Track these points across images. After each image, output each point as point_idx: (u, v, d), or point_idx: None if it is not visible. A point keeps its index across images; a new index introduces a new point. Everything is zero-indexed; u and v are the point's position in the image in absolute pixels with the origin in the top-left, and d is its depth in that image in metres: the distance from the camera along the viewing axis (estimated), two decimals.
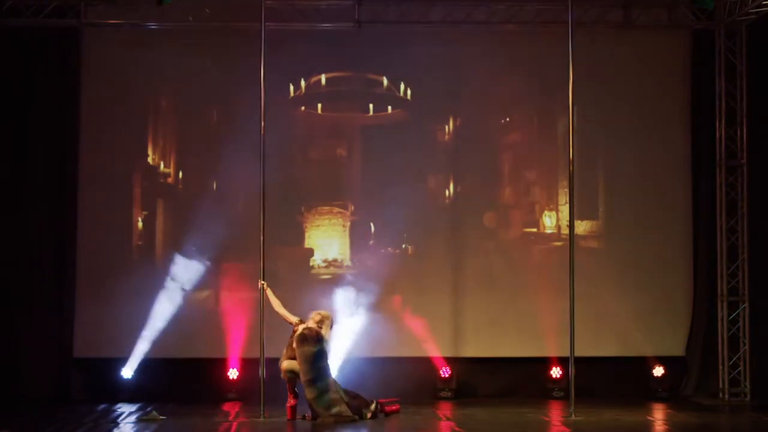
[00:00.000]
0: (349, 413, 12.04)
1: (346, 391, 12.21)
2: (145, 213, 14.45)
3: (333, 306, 13.90)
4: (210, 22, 14.24)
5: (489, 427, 12.02)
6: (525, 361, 14.45)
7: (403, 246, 14.61)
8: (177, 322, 14.05)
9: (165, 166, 14.54)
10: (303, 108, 14.65)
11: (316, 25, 14.30)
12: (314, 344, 12.00)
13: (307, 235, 14.57)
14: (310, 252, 14.55)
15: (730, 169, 14.45)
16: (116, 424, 12.11)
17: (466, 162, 14.61)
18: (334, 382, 12.19)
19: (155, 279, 14.21)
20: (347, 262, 14.60)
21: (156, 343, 14.00)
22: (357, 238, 14.60)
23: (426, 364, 14.33)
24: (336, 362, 13.53)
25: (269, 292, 12.32)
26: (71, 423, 12.04)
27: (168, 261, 14.26)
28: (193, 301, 14.22)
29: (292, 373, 12.14)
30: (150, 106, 14.57)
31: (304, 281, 14.37)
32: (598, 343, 14.16)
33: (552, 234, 14.66)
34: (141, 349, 14.00)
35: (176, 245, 14.33)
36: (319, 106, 14.69)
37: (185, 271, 14.10)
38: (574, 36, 12.56)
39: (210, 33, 14.36)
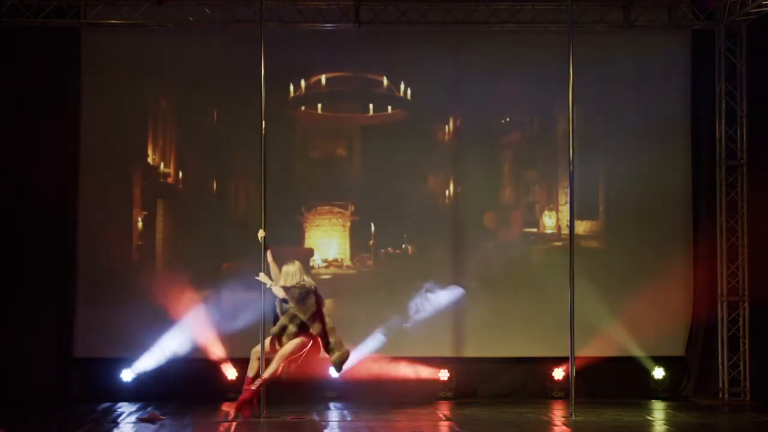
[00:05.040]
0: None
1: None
2: (145, 213, 14.45)
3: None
4: (210, 22, 14.25)
5: (489, 427, 12.02)
6: (525, 361, 14.45)
7: (403, 246, 14.61)
8: (177, 321, 14.05)
9: (165, 166, 14.55)
10: (303, 108, 14.65)
11: (316, 25, 14.32)
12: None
13: (307, 235, 14.58)
14: (310, 252, 14.55)
15: (730, 169, 14.46)
16: (116, 424, 12.11)
17: (466, 162, 14.62)
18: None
19: (155, 279, 14.22)
20: (347, 262, 14.61)
21: (156, 343, 14.01)
22: (357, 238, 14.61)
23: (426, 364, 14.33)
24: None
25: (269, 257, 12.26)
26: (71, 423, 12.04)
27: (168, 261, 14.28)
28: (192, 301, 14.22)
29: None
30: (150, 106, 14.57)
31: None
32: (598, 343, 14.15)
33: (552, 234, 14.67)
34: (142, 349, 14.02)
35: (176, 245, 14.34)
36: (319, 106, 14.69)
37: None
38: (574, 36, 12.56)
39: (210, 33, 14.36)
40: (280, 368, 11.91)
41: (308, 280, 11.97)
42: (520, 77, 14.62)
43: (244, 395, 11.95)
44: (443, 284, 14.38)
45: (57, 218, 14.16)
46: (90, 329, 14.11)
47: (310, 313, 11.84)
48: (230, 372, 14.06)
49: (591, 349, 13.86)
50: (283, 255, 14.10)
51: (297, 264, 12.02)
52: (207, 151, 14.46)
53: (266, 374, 11.91)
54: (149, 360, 14.04)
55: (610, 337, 14.34)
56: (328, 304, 14.19)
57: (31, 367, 14.00)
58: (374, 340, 14.14)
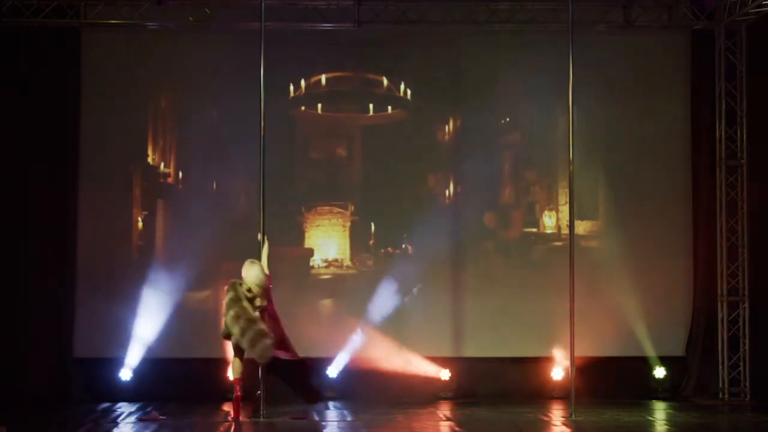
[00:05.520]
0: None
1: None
2: (145, 213, 14.45)
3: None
4: (210, 22, 14.24)
5: (489, 427, 12.02)
6: (525, 361, 14.45)
7: (403, 246, 14.61)
8: (177, 321, 14.05)
9: (165, 166, 14.55)
10: (303, 108, 14.65)
11: (316, 25, 14.31)
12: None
13: (307, 235, 14.57)
14: (310, 252, 14.55)
15: (730, 169, 14.46)
16: (116, 424, 12.11)
17: (466, 162, 14.62)
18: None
19: (155, 279, 14.22)
20: (347, 262, 14.61)
21: (156, 343, 14.02)
22: (357, 238, 14.61)
23: (426, 364, 14.33)
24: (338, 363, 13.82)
25: (265, 251, 12.25)
26: (71, 423, 12.04)
27: (168, 261, 14.29)
28: (193, 301, 14.22)
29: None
30: (150, 106, 14.57)
31: (304, 281, 14.38)
32: (598, 343, 14.16)
33: (552, 234, 14.67)
34: (142, 349, 14.03)
35: (176, 245, 14.34)
36: (319, 106, 14.69)
37: None
38: (574, 36, 12.56)
39: (210, 33, 14.36)
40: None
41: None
42: (520, 77, 14.61)
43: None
44: (441, 284, 14.43)
45: (57, 218, 14.16)
46: (90, 329, 14.11)
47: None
48: (231, 372, 14.04)
49: (591, 349, 13.85)
50: (284, 255, 14.16)
51: (258, 264, 11.96)
52: (207, 151, 14.45)
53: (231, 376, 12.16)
54: (149, 360, 14.04)
55: (610, 337, 14.35)
56: (328, 304, 14.27)
57: (31, 367, 13.99)
58: (373, 340, 14.18)
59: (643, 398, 14.15)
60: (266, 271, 12.02)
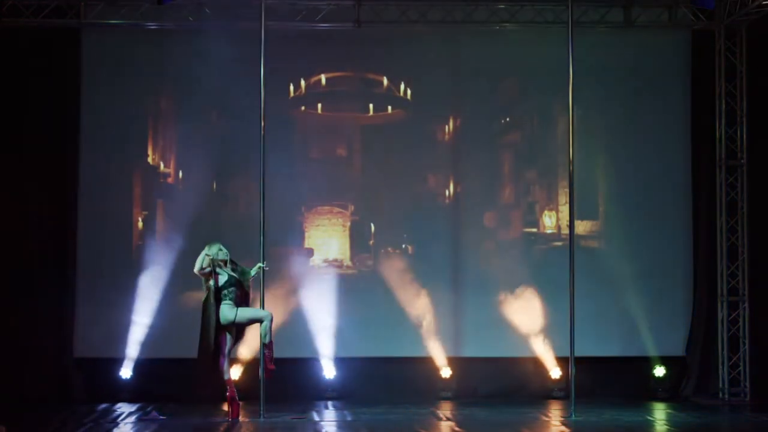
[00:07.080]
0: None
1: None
2: (145, 213, 14.45)
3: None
4: (210, 22, 14.24)
5: (489, 427, 12.02)
6: (525, 361, 14.44)
7: (403, 246, 14.61)
8: (176, 321, 14.03)
9: (165, 166, 14.54)
10: (303, 108, 14.65)
11: (316, 25, 14.31)
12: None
13: (307, 235, 14.57)
14: (310, 252, 14.55)
15: (730, 169, 14.46)
16: (116, 424, 12.11)
17: (466, 162, 14.62)
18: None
19: (155, 279, 14.21)
20: (347, 262, 14.61)
21: (156, 343, 14.02)
22: (357, 238, 14.61)
23: (426, 364, 14.34)
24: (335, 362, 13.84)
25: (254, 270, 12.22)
26: (71, 423, 12.04)
27: (167, 261, 14.28)
28: (193, 301, 14.21)
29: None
30: (150, 106, 14.57)
31: (304, 281, 14.37)
32: (598, 342, 14.16)
33: (552, 234, 14.67)
34: (142, 349, 14.03)
35: (176, 245, 14.33)
36: (319, 106, 14.69)
37: None
38: (574, 36, 12.56)
39: (210, 33, 14.35)
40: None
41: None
42: (520, 77, 14.64)
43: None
44: (441, 284, 14.43)
45: (57, 218, 14.16)
46: (90, 329, 14.10)
47: None
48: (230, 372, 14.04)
49: (591, 349, 13.85)
50: (284, 255, 14.17)
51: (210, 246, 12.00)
52: (207, 151, 14.43)
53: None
54: (149, 360, 14.03)
55: (610, 337, 14.35)
56: (328, 304, 14.26)
57: (31, 367, 14.00)
58: (373, 340, 14.17)
59: (643, 398, 14.16)
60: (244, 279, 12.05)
